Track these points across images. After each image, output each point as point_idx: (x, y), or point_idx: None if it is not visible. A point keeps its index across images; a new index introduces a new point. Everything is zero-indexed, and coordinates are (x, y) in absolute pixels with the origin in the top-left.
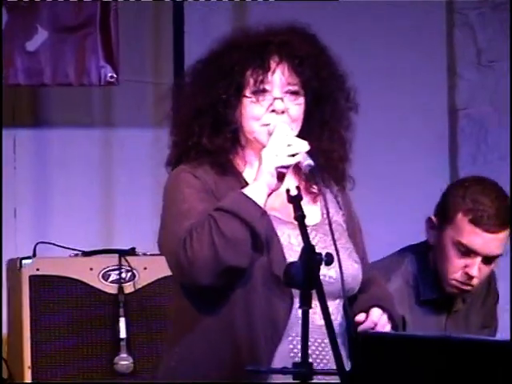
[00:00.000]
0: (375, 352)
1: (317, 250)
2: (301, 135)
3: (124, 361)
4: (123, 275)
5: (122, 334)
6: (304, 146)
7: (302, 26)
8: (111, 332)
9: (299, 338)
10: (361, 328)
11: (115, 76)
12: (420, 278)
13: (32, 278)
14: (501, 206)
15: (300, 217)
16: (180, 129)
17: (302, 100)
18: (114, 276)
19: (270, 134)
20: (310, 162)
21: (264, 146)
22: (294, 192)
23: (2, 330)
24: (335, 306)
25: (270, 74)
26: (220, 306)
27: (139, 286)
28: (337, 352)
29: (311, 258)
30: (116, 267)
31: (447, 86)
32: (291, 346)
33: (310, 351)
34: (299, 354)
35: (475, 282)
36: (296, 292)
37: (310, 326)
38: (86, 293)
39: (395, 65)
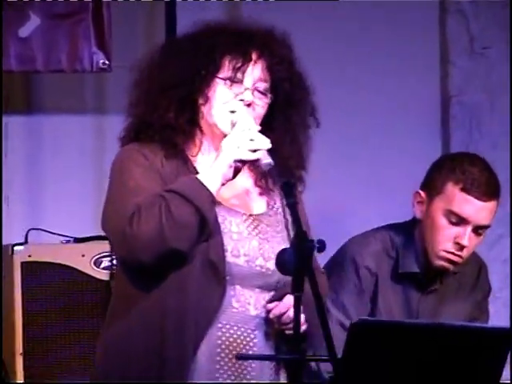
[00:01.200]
0: (367, 339)
1: (257, 241)
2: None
3: None
4: (115, 262)
5: None
6: (266, 143)
7: (284, 33)
8: (103, 318)
9: (228, 327)
10: (274, 312)
11: (108, 62)
12: (402, 251)
13: (24, 265)
14: (490, 175)
15: (292, 204)
16: (144, 103)
17: (267, 100)
18: (105, 262)
19: (232, 125)
20: (270, 161)
21: (223, 135)
22: (285, 179)
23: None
24: (268, 298)
25: (247, 64)
26: (155, 287)
27: None
28: (329, 340)
29: (303, 245)
30: (108, 254)
31: (440, 73)
32: (219, 334)
33: (239, 340)
34: (227, 342)
35: (465, 253)
36: (230, 280)
37: (243, 316)
38: (78, 279)
39: (387, 52)
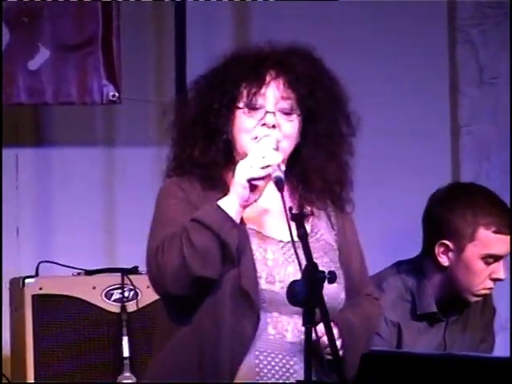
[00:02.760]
0: (378, 369)
1: (293, 267)
2: (297, 156)
3: (127, 379)
4: (126, 294)
5: (125, 353)
6: (277, 158)
7: (305, 47)
8: (114, 351)
9: (266, 354)
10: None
11: (117, 95)
12: (417, 293)
13: (35, 297)
14: (504, 205)
15: (303, 235)
16: (176, 141)
17: (295, 117)
18: (116, 295)
19: None
20: (278, 174)
21: None
22: (296, 210)
23: (1, 347)
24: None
25: (264, 87)
26: (189, 316)
27: (142, 305)
28: (340, 369)
29: (314, 276)
30: (119, 286)
31: (449, 104)
32: (257, 361)
33: (277, 367)
34: (265, 370)
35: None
36: (266, 307)
37: (280, 342)
38: (89, 312)
39: (397, 82)
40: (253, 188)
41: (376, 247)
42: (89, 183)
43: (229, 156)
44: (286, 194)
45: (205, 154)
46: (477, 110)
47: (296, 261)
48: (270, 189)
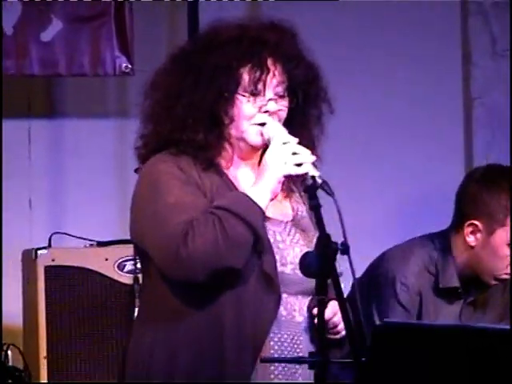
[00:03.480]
0: (390, 341)
1: (299, 248)
2: None
3: None
4: (138, 265)
5: None
6: (310, 156)
7: (289, 25)
8: (127, 322)
9: (280, 335)
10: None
11: (130, 66)
12: (441, 267)
13: (47, 269)
14: None
15: (316, 206)
16: (169, 120)
17: (286, 102)
18: (129, 266)
19: (261, 135)
20: (318, 173)
21: (251, 147)
22: (309, 181)
23: (1, 317)
24: (302, 302)
25: (266, 75)
26: (210, 303)
27: None
28: (354, 343)
29: (327, 247)
30: (131, 257)
31: (462, 75)
32: (272, 343)
33: (289, 348)
34: (279, 351)
35: None
36: (283, 290)
37: (290, 323)
38: (102, 283)
39: (410, 54)
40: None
41: (392, 215)
42: (101, 155)
43: (224, 140)
44: None
45: (207, 139)
46: (489, 82)
47: (300, 241)
48: (255, 165)
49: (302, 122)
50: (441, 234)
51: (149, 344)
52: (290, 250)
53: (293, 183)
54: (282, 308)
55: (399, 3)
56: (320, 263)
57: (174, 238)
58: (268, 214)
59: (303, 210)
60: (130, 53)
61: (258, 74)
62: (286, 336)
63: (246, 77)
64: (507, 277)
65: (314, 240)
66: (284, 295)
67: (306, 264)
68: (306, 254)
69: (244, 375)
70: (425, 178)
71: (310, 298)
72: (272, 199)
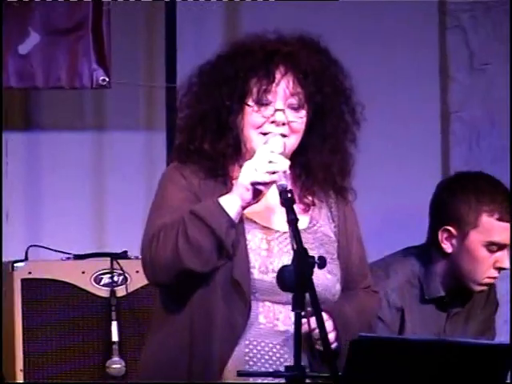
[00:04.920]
0: (368, 355)
1: (288, 258)
2: (302, 147)
3: (116, 364)
4: (115, 278)
5: (114, 338)
6: (284, 164)
7: (312, 38)
8: (103, 335)
9: (256, 343)
10: (304, 328)
11: (107, 79)
12: (424, 278)
13: (24, 282)
14: (506, 191)
15: (292, 220)
16: (183, 132)
17: (304, 113)
18: (106, 279)
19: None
20: (283, 183)
21: None
22: (286, 195)
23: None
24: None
25: (274, 85)
26: (181, 305)
27: (131, 290)
28: (330, 356)
29: (304, 261)
30: (108, 270)
31: (439, 89)
32: (247, 350)
33: (267, 356)
34: (255, 359)
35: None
36: (258, 296)
37: (271, 331)
38: (78, 296)
39: (388, 67)
40: (256, 191)
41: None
42: (78, 168)
43: (238, 149)
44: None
45: (214, 148)
46: (467, 96)
47: (291, 251)
48: None
49: (323, 134)
50: (420, 247)
51: (147, 347)
52: (274, 258)
53: (316, 196)
54: (261, 316)
55: (377, 16)
56: (297, 277)
57: (145, 240)
58: (264, 222)
59: (324, 225)
60: (107, 65)
61: (265, 83)
62: (263, 344)
63: (253, 87)
64: (490, 281)
65: (313, 253)
66: (267, 303)
67: (283, 278)
68: (283, 267)
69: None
70: (402, 191)
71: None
72: (245, 207)
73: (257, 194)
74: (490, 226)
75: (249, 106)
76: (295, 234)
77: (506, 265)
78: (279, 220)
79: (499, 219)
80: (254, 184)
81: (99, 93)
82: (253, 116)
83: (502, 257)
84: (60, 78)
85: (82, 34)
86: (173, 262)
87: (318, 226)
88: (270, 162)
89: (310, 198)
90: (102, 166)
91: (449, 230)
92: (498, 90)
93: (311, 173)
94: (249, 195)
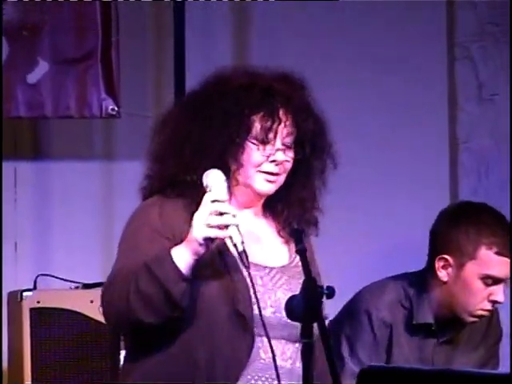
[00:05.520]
0: None
1: (282, 293)
2: (285, 186)
3: None
4: None
5: None
6: (236, 218)
7: (299, 77)
8: (112, 364)
9: (257, 378)
10: None
11: (116, 108)
12: (415, 302)
13: (33, 311)
14: (508, 227)
15: (301, 250)
16: (174, 162)
17: (292, 153)
18: None
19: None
20: (238, 239)
21: (256, 192)
22: (295, 226)
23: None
24: (294, 349)
25: (277, 124)
26: (181, 340)
27: None
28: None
29: (312, 291)
30: None
31: (448, 119)
32: None
33: None
34: None
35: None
36: (257, 332)
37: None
38: (87, 325)
39: (397, 97)
40: (209, 243)
41: (373, 261)
42: (87, 197)
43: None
44: (269, 218)
45: None
46: (476, 127)
47: (284, 286)
48: (258, 211)
49: (306, 173)
50: (417, 272)
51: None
52: (271, 293)
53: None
54: (261, 351)
55: (386, 45)
56: (305, 307)
57: (106, 281)
58: (253, 259)
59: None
60: (116, 95)
61: (269, 123)
62: (263, 379)
63: (257, 125)
64: (483, 313)
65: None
66: (264, 339)
67: (291, 308)
68: (292, 297)
69: None
70: (411, 222)
71: (295, 345)
72: (197, 259)
73: (209, 245)
74: (488, 260)
75: (253, 143)
76: (304, 263)
77: (501, 298)
78: (265, 255)
79: (497, 253)
80: (206, 239)
81: (108, 122)
82: (254, 154)
83: (497, 290)
84: (69, 107)
85: (91, 64)
86: (124, 311)
87: (296, 261)
88: (221, 213)
89: (287, 232)
90: (111, 195)
91: (446, 259)
92: (506, 121)
93: (291, 208)
94: (202, 249)
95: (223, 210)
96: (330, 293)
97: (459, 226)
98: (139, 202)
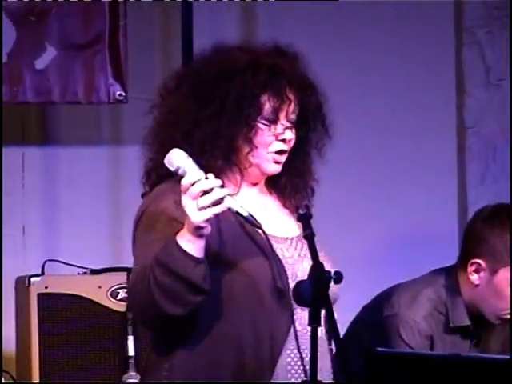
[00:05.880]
0: (386, 369)
1: (307, 262)
2: (286, 160)
3: (132, 379)
4: None
5: (131, 352)
6: (224, 190)
7: (294, 50)
8: (120, 350)
9: (296, 351)
10: None
11: (124, 94)
12: (451, 306)
13: (40, 296)
14: None
15: (309, 235)
16: (187, 146)
17: (294, 130)
18: (122, 294)
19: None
20: (239, 208)
21: (264, 173)
22: (303, 210)
23: (1, 344)
24: (324, 317)
25: (286, 104)
26: (226, 322)
27: None
28: (346, 368)
29: (320, 276)
30: (124, 285)
31: (456, 105)
32: (289, 359)
33: (304, 362)
34: (295, 367)
35: None
36: (295, 306)
37: (306, 338)
38: (95, 311)
39: (404, 83)
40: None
41: (381, 249)
42: (95, 182)
43: (234, 166)
44: (273, 193)
45: (224, 165)
46: (483, 112)
47: (307, 255)
48: (262, 188)
49: (304, 146)
50: (448, 271)
51: (166, 372)
52: (299, 264)
53: (297, 202)
54: (297, 323)
55: (393, 32)
56: (313, 292)
57: (129, 282)
58: (272, 232)
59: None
60: (124, 80)
61: (278, 102)
62: (302, 351)
63: (267, 105)
64: (508, 318)
65: (321, 255)
66: (298, 310)
67: (300, 293)
68: (300, 282)
69: None
70: (418, 207)
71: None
72: (195, 241)
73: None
74: None
75: (264, 124)
76: (312, 249)
77: None
78: (282, 226)
79: None
80: (206, 221)
81: (116, 107)
82: (264, 134)
83: None
84: (77, 92)
85: (99, 49)
86: (152, 308)
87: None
88: (206, 191)
89: (292, 203)
90: (119, 181)
91: (479, 264)
92: None
93: (293, 181)
94: (206, 231)
95: (207, 187)
96: (338, 278)
97: (495, 231)
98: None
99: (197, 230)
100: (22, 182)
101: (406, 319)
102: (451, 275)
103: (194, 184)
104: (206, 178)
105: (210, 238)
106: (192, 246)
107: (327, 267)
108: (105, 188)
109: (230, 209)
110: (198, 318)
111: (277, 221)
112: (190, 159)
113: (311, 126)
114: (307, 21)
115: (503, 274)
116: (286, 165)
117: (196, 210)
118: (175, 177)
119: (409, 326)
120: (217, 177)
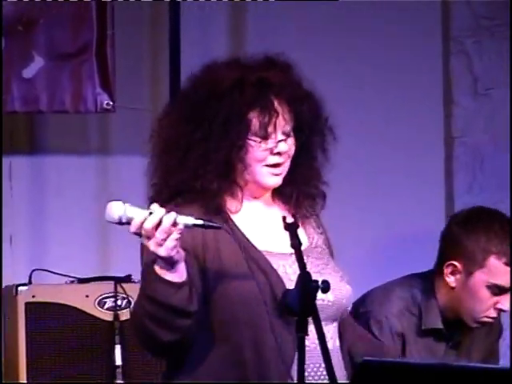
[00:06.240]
0: (374, 378)
1: (313, 275)
2: (290, 169)
3: None
4: (119, 302)
5: (118, 362)
6: (170, 214)
7: (285, 59)
8: (107, 359)
9: (310, 364)
10: None
11: (111, 103)
12: (424, 308)
13: (28, 305)
14: None
15: (296, 244)
16: (181, 169)
17: (293, 139)
18: (109, 303)
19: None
20: (192, 221)
21: (264, 187)
22: (290, 220)
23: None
24: (333, 329)
25: (275, 117)
26: (227, 343)
27: None
28: (333, 377)
29: (307, 286)
30: (112, 294)
31: (443, 114)
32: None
33: (310, 377)
34: (308, 379)
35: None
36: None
37: (314, 352)
38: (82, 320)
39: (391, 92)
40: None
41: (369, 256)
42: (82, 191)
43: (234, 184)
44: (280, 204)
45: (221, 185)
46: (471, 121)
47: (313, 269)
48: (267, 200)
49: (308, 152)
50: (424, 275)
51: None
52: None
53: (306, 210)
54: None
55: (380, 40)
56: (301, 301)
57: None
58: (274, 248)
59: (318, 238)
60: (111, 90)
61: (267, 117)
62: (311, 365)
63: (255, 121)
64: (488, 320)
65: (329, 267)
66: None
67: (287, 302)
68: (287, 292)
69: None
70: (405, 216)
71: (333, 325)
72: (172, 267)
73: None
74: (496, 270)
75: (254, 140)
76: (299, 258)
77: (506, 307)
78: (287, 243)
79: (506, 263)
80: (172, 249)
81: (103, 117)
82: (257, 150)
83: (504, 299)
84: (64, 102)
85: (86, 58)
86: (148, 338)
87: (315, 240)
88: (158, 224)
89: (299, 215)
90: (107, 190)
91: (455, 265)
92: (501, 115)
93: (299, 189)
94: (178, 256)
95: (156, 221)
96: (325, 287)
97: (470, 233)
98: (136, 197)
99: (170, 260)
100: (10, 192)
101: (377, 316)
102: (427, 279)
103: (142, 224)
104: (151, 213)
105: (208, 261)
106: (170, 274)
107: (335, 280)
108: (92, 197)
109: (186, 226)
110: (199, 341)
111: (280, 235)
112: (127, 204)
113: (308, 133)
114: (295, 33)
115: (479, 275)
116: (289, 173)
117: (158, 246)
118: (175, 200)
119: (380, 322)
120: (217, 197)
